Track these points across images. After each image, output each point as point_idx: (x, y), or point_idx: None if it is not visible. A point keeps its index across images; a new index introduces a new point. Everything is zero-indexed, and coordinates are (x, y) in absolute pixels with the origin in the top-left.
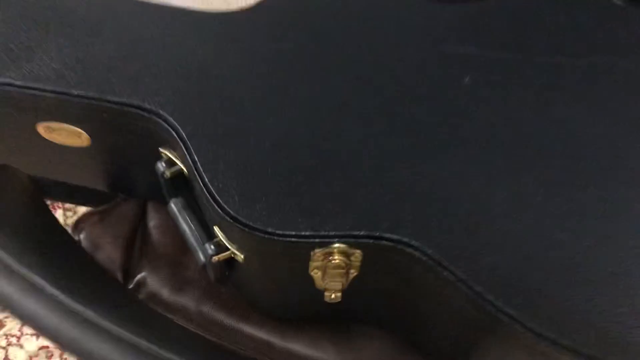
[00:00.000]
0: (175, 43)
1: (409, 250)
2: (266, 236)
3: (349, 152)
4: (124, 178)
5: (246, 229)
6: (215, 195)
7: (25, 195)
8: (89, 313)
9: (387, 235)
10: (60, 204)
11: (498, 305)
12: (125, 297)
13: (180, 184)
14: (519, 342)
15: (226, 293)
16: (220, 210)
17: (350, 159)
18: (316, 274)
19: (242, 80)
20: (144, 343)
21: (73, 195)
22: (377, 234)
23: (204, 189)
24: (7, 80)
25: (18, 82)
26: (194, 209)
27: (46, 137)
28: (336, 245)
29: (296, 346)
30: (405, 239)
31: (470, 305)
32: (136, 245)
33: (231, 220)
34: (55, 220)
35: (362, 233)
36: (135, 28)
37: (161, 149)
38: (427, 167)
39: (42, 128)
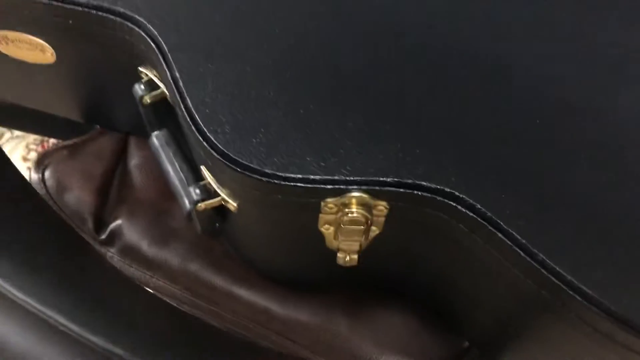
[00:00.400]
0: None
1: (452, 204)
2: (264, 179)
3: (375, 74)
4: (100, 105)
5: (238, 169)
6: (201, 123)
7: None
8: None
9: (423, 183)
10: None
11: (569, 280)
12: (84, 272)
13: (164, 113)
14: (585, 329)
15: (219, 248)
16: (206, 144)
17: (378, 83)
18: (327, 230)
19: None
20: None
21: (39, 124)
22: (410, 181)
23: (187, 116)
24: None
25: None
26: (181, 144)
27: (3, 51)
28: (355, 194)
29: (301, 316)
30: (447, 189)
31: (529, 278)
32: (113, 187)
33: (220, 157)
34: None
35: (389, 179)
36: None
37: (140, 68)
38: (478, 98)
39: None
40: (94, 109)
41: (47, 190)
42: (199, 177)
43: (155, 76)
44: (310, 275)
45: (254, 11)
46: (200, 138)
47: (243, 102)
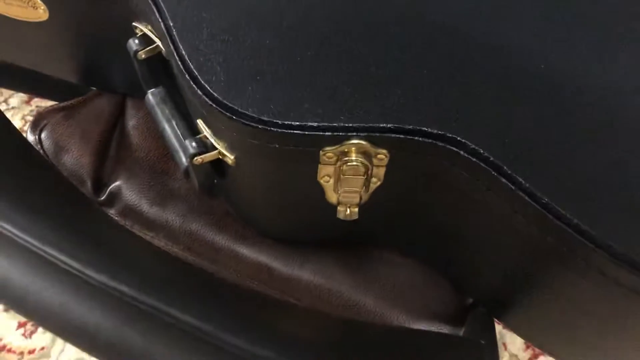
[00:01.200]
0: None
1: (454, 149)
2: (260, 126)
3: (375, 16)
4: (95, 65)
5: (234, 117)
6: (195, 72)
7: None
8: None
9: (425, 128)
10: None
11: (575, 224)
12: (84, 218)
13: (160, 70)
14: (593, 276)
15: (220, 208)
16: (200, 92)
17: (378, 26)
18: (327, 182)
19: None
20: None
21: (35, 84)
22: (411, 126)
23: (181, 65)
24: None
25: None
26: (178, 102)
27: None
28: (354, 141)
29: (303, 274)
30: (449, 134)
31: (533, 224)
32: (111, 148)
33: (215, 105)
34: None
35: (390, 125)
36: None
37: (135, 24)
38: (479, 49)
39: None
40: (89, 69)
41: (44, 152)
42: (195, 133)
43: (150, 30)
44: (311, 231)
45: None
46: (195, 87)
47: (238, 50)
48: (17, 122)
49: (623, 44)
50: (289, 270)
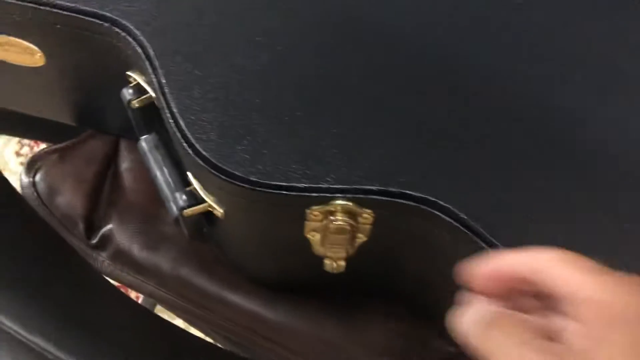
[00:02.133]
0: None
1: (436, 212)
2: (248, 187)
3: (362, 83)
4: (90, 108)
5: (223, 177)
6: (186, 130)
7: None
8: None
9: (408, 192)
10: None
11: None
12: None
13: (153, 117)
14: None
15: (210, 254)
16: (190, 151)
17: (365, 92)
18: (313, 237)
19: None
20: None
21: (30, 128)
22: (395, 189)
23: (173, 123)
24: None
25: None
26: (170, 148)
27: None
28: (340, 202)
29: (292, 322)
30: (432, 198)
31: None
32: (104, 191)
33: (204, 164)
34: None
35: (374, 187)
36: None
37: (129, 73)
38: (462, 108)
39: None
40: (84, 112)
41: (38, 194)
42: (187, 182)
43: (144, 80)
44: (300, 280)
45: (241, 17)
46: (186, 145)
47: (229, 109)
48: (13, 146)
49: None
50: (278, 318)
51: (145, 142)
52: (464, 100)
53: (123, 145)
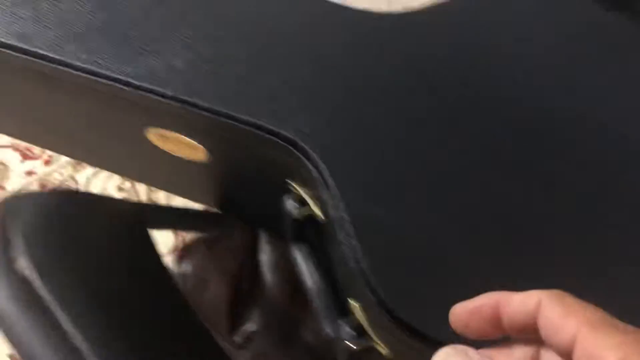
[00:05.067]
0: (321, 45)
1: None
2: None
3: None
4: (240, 201)
5: (408, 336)
6: (371, 282)
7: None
8: None
9: None
10: None
11: None
12: None
13: (309, 227)
14: None
15: None
16: (379, 307)
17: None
18: None
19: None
20: None
21: (179, 221)
22: None
23: (364, 281)
24: (121, 76)
25: (133, 81)
26: (320, 258)
27: (157, 145)
28: None
29: None
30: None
31: None
32: (245, 285)
33: (389, 317)
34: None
35: None
36: (275, 22)
37: (290, 181)
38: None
39: (153, 135)
40: (235, 204)
41: (184, 284)
42: (341, 300)
43: (308, 195)
44: None
45: (429, 154)
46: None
47: (417, 251)
48: (115, 181)
49: None
50: None
51: (299, 251)
52: None
53: (262, 237)
